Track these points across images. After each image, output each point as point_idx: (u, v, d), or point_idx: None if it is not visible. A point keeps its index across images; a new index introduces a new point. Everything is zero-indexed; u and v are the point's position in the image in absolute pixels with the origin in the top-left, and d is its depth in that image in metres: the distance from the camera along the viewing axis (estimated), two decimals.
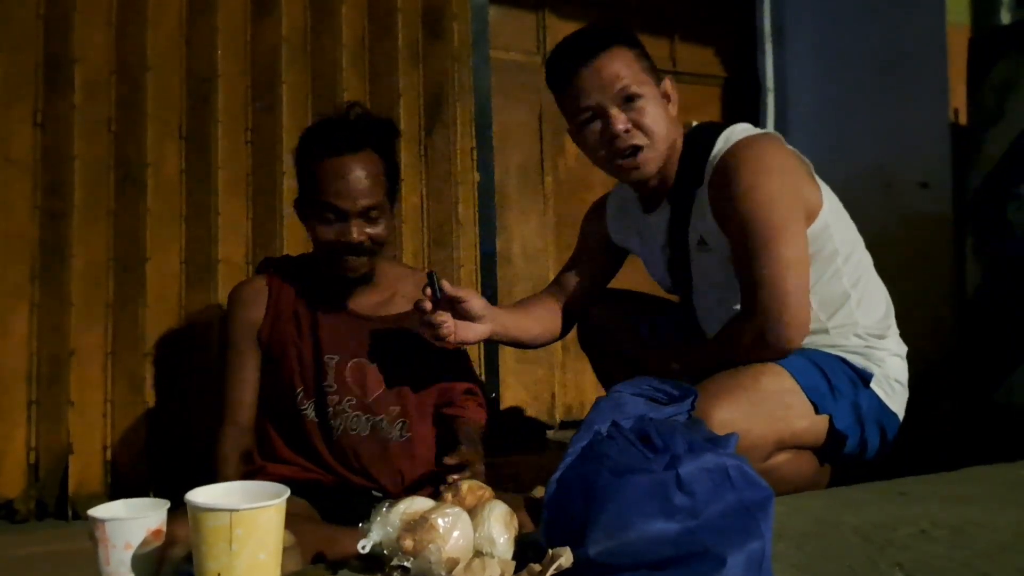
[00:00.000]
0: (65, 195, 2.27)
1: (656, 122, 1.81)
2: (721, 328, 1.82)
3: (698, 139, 1.87)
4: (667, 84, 1.87)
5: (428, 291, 1.73)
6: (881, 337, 1.86)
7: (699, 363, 1.79)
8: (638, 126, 1.80)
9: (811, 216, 1.80)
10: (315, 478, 1.77)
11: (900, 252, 2.92)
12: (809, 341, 1.81)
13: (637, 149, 1.81)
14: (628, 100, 1.79)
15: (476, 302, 1.80)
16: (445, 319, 1.74)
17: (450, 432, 1.79)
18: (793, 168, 1.80)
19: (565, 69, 1.82)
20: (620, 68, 1.78)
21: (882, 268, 1.98)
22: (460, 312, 1.77)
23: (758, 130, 1.86)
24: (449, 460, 1.59)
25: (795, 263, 1.71)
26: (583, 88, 1.80)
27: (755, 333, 1.72)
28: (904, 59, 3.23)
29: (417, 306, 1.75)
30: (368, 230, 1.75)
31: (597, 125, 1.81)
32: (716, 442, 1.18)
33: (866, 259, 1.93)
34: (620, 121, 1.79)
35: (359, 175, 1.73)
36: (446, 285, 1.74)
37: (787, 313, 1.70)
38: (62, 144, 2.28)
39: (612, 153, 1.83)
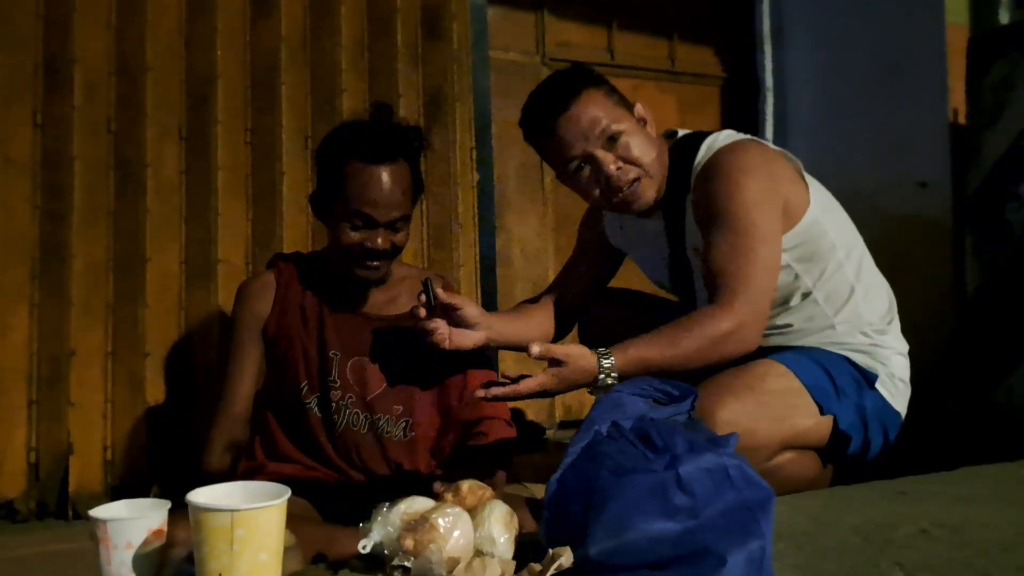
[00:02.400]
0: (65, 196, 2.27)
1: (644, 151, 1.83)
2: (682, 318, 1.75)
3: (683, 149, 1.89)
4: (639, 108, 1.88)
5: (423, 298, 1.75)
6: (884, 332, 1.87)
7: (656, 346, 1.70)
8: (628, 161, 1.82)
9: (797, 214, 1.81)
10: (316, 476, 1.78)
11: (899, 252, 2.92)
12: (815, 338, 1.81)
13: (635, 181, 1.83)
14: (611, 139, 1.81)
15: (471, 309, 1.81)
16: (438, 326, 1.75)
17: (472, 462, 1.78)
18: (773, 170, 1.81)
19: (541, 124, 1.84)
20: (595, 111, 1.80)
21: (882, 268, 1.98)
22: (455, 319, 1.79)
23: (741, 136, 1.87)
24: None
25: (771, 268, 1.74)
26: (565, 139, 1.81)
27: (729, 329, 1.68)
28: (903, 59, 3.24)
29: (412, 313, 1.76)
30: (392, 238, 1.77)
31: (587, 170, 1.84)
32: (716, 442, 1.18)
33: (867, 255, 1.94)
34: (610, 162, 1.81)
35: (393, 187, 1.73)
36: (440, 292, 1.75)
37: (759, 317, 1.71)
38: (62, 145, 2.28)
39: (609, 191, 1.84)
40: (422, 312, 1.75)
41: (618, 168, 1.81)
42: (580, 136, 1.80)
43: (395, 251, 1.79)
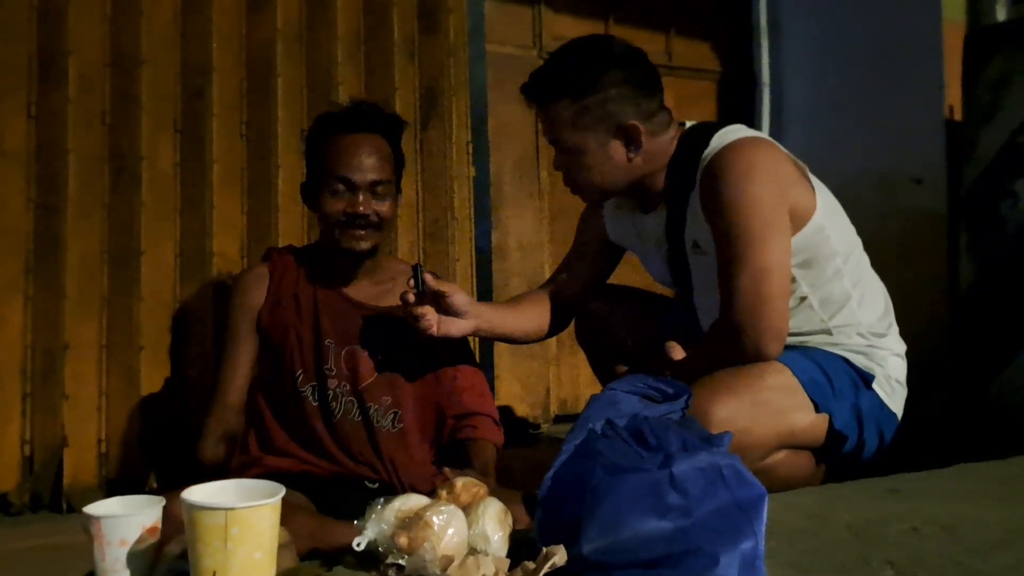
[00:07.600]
0: (59, 188, 2.26)
1: (588, 173, 1.84)
2: (703, 336, 1.83)
3: (691, 141, 1.86)
4: (628, 126, 1.79)
5: (412, 283, 1.76)
6: (882, 335, 1.86)
7: (688, 371, 1.76)
8: (567, 176, 1.88)
9: (802, 220, 1.78)
10: (312, 470, 1.79)
11: (894, 248, 2.94)
12: (812, 341, 1.81)
13: (576, 189, 1.89)
14: (562, 151, 1.84)
15: (459, 297, 1.82)
16: (426, 312, 1.77)
17: (463, 454, 1.84)
18: (779, 173, 1.77)
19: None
20: (554, 123, 1.82)
21: (876, 264, 1.98)
22: (445, 307, 1.79)
23: (750, 132, 1.83)
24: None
25: (772, 271, 1.70)
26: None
27: (732, 341, 1.71)
28: (899, 55, 3.24)
29: (401, 297, 1.78)
30: (375, 205, 1.81)
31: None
32: (710, 441, 1.19)
33: (864, 259, 1.93)
34: (557, 164, 1.88)
35: (370, 151, 1.83)
36: (429, 278, 1.77)
37: (762, 321, 1.69)
38: (56, 137, 2.27)
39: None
40: (411, 297, 1.76)
41: (564, 173, 1.88)
42: (543, 128, 1.89)
43: (380, 220, 1.83)
